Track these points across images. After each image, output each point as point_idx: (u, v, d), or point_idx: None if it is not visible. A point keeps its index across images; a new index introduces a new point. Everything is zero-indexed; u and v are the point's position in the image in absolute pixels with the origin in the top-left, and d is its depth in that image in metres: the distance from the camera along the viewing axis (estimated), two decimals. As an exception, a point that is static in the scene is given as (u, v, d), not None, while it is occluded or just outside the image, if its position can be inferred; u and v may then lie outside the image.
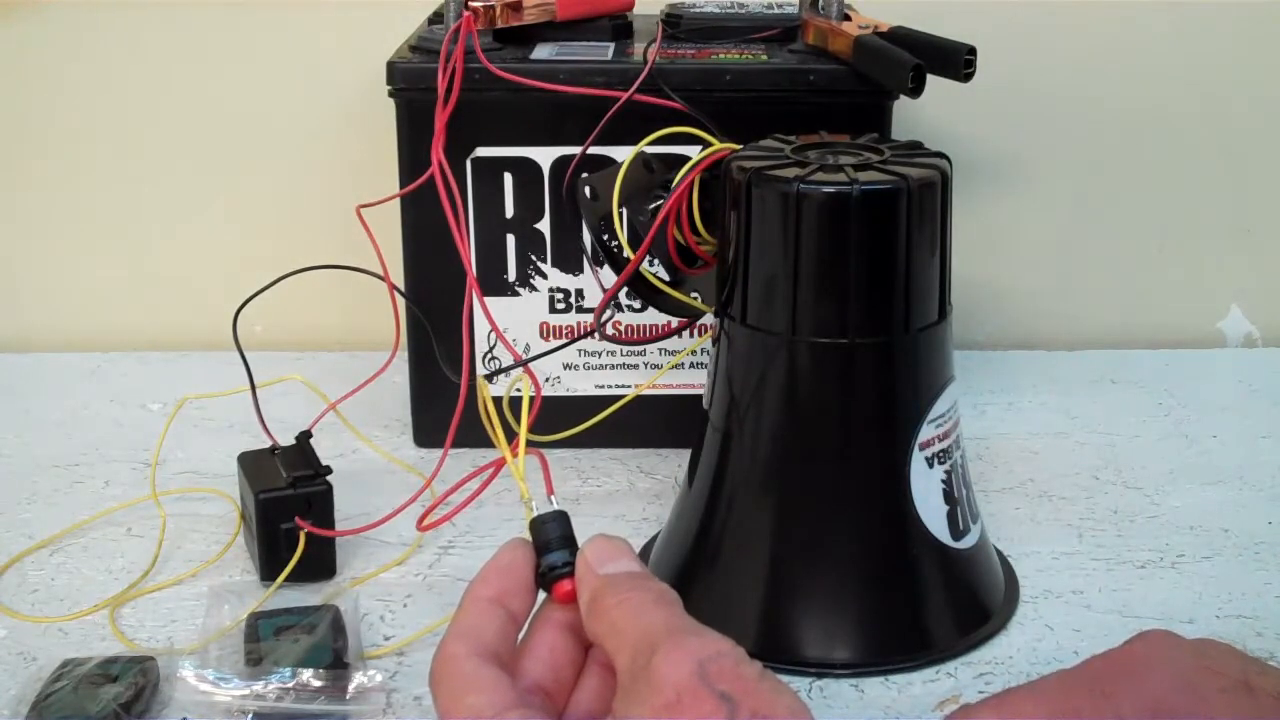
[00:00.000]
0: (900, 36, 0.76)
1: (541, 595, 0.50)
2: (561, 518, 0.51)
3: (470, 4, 0.77)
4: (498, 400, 0.56)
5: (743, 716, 0.41)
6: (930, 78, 0.71)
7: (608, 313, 0.81)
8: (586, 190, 0.70)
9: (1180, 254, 1.03)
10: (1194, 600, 0.68)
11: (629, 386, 0.82)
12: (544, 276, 0.81)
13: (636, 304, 0.81)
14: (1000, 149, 1.01)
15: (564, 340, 0.81)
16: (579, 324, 0.81)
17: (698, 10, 0.85)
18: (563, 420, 0.78)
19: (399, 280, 0.79)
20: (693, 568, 0.66)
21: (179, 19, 0.99)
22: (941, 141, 0.67)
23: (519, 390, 0.57)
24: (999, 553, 0.70)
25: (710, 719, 0.41)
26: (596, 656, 0.49)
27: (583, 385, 0.82)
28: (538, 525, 0.51)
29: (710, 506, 0.65)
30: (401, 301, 0.79)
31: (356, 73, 0.97)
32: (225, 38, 0.99)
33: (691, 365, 0.82)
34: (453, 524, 0.73)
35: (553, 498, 0.52)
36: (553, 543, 0.50)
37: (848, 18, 0.79)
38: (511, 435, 0.54)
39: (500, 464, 0.58)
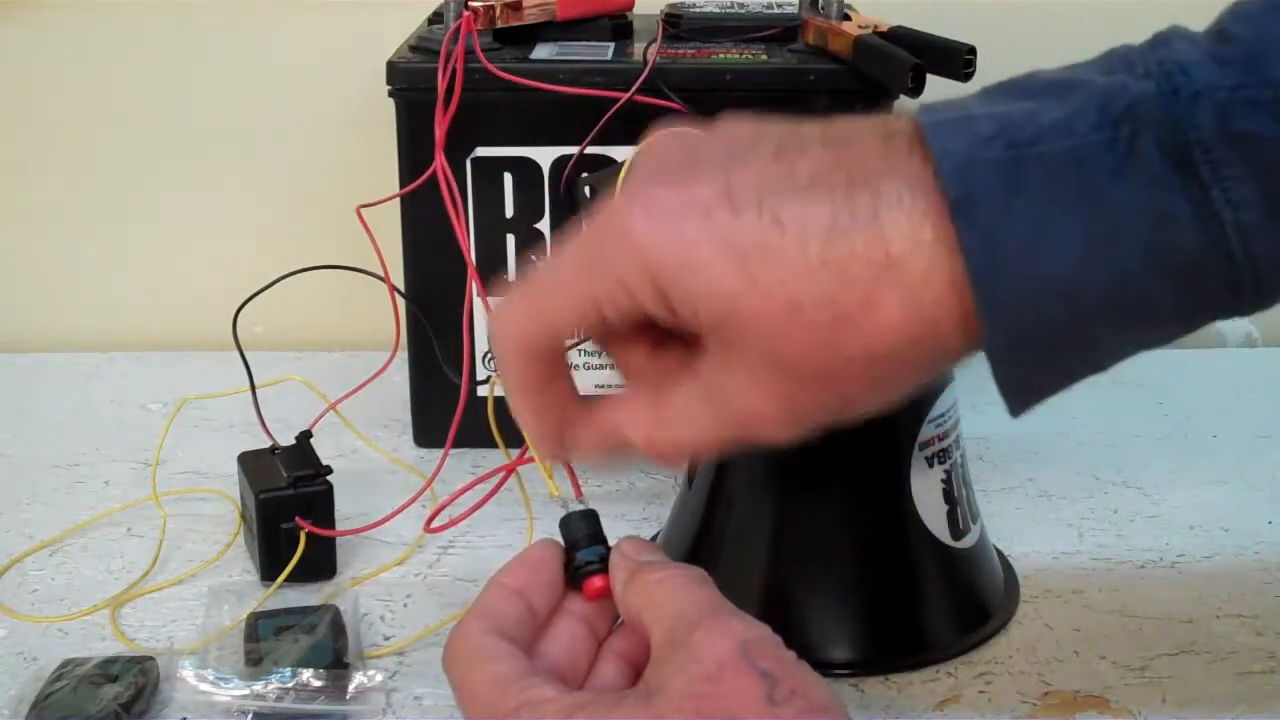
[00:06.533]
0: (900, 36, 0.75)
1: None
2: (591, 516, 0.52)
3: (470, 4, 0.77)
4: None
5: (782, 692, 0.42)
6: (930, 78, 0.71)
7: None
8: (586, 190, 0.70)
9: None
10: (1194, 600, 0.68)
11: (629, 386, 0.81)
12: (544, 276, 0.81)
13: (636, 304, 0.80)
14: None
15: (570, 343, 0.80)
16: (579, 324, 0.81)
17: (698, 10, 0.85)
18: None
19: (399, 280, 0.79)
20: (693, 568, 0.66)
21: (178, 19, 0.99)
22: (941, 141, 0.67)
23: None
24: (999, 553, 0.70)
25: (751, 692, 0.42)
26: (614, 647, 0.50)
27: (582, 385, 0.82)
28: (568, 522, 0.51)
29: (710, 506, 0.65)
30: (401, 301, 0.79)
31: (356, 73, 0.97)
32: (225, 37, 0.99)
33: (691, 365, 0.82)
34: (452, 524, 0.74)
35: (581, 499, 0.53)
36: (583, 540, 0.51)
37: (848, 17, 0.79)
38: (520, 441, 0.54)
39: (510, 468, 0.58)
